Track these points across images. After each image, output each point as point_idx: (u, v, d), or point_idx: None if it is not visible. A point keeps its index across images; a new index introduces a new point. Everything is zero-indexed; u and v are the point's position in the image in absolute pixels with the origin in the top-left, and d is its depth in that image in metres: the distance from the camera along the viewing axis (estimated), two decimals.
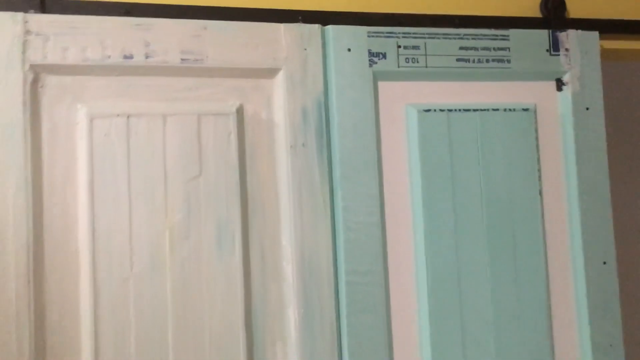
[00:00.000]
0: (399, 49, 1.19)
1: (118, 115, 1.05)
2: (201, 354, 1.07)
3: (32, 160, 1.01)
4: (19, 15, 1.01)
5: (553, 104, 1.28)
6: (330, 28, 1.16)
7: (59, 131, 1.04)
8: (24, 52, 1.01)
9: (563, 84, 1.28)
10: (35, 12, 1.03)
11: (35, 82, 1.02)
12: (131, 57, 1.06)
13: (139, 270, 1.05)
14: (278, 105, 1.13)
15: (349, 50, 1.16)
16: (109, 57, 1.05)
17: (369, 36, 1.17)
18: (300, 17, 1.16)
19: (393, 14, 1.22)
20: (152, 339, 1.05)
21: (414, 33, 1.20)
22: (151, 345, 1.05)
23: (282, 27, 1.13)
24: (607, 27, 1.33)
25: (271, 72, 1.13)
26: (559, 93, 1.28)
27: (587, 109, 1.28)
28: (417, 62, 1.20)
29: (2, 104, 1.00)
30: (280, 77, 1.13)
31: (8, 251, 0.99)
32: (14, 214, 0.99)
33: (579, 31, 1.28)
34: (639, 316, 1.79)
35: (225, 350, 1.07)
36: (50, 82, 1.03)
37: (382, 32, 1.18)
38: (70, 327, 1.02)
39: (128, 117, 1.06)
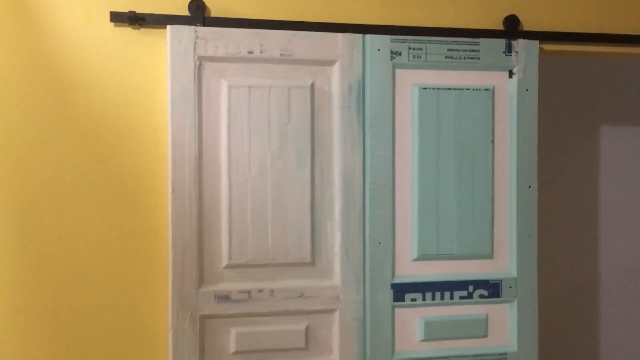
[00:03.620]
0: (409, 50, 1.94)
1: (244, 86, 1.84)
2: (285, 225, 1.88)
3: (198, 109, 1.81)
4: (193, 27, 1.79)
5: (505, 86, 2.03)
6: (368, 36, 1.91)
7: (212, 94, 1.83)
8: (195, 48, 1.79)
9: (513, 73, 2.02)
10: (200, 26, 1.80)
11: (200, 65, 1.80)
12: (252, 52, 1.83)
13: (253, 175, 1.85)
14: (334, 82, 1.90)
15: (379, 50, 1.92)
16: (240, 52, 1.82)
17: (391, 41, 1.93)
18: (350, 29, 1.90)
19: (407, 27, 1.96)
20: (259, 213, 1.86)
21: (419, 40, 1.95)
22: (258, 218, 1.86)
23: (339, 36, 1.89)
24: (547, 36, 2.06)
25: (331, 62, 1.89)
26: (509, 79, 2.03)
27: (527, 90, 2.02)
28: (420, 58, 1.95)
29: (184, 77, 1.78)
30: (336, 65, 1.89)
31: (185, 160, 1.79)
32: (188, 139, 1.80)
33: (525, 40, 2.01)
34: (547, 219, 2.56)
35: (299, 224, 1.88)
36: (208, 66, 1.82)
37: (399, 39, 1.93)
38: (215, 205, 1.84)
39: (249, 87, 1.84)
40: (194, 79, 1.79)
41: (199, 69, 1.80)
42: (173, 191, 1.79)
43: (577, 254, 2.89)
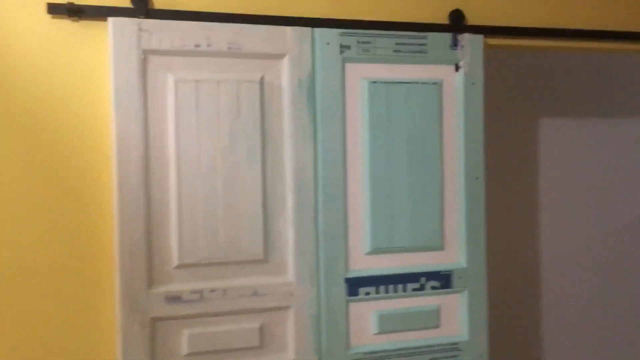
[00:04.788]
0: (358, 43, 1.94)
1: (191, 80, 1.79)
2: (237, 222, 1.84)
3: (143, 105, 1.75)
4: (136, 20, 1.73)
5: (452, 80, 2.06)
6: (317, 30, 1.90)
7: (158, 89, 1.77)
8: (138, 41, 1.73)
9: (459, 67, 2.05)
10: (144, 18, 1.74)
11: (144, 59, 1.74)
12: (199, 46, 1.78)
13: (203, 172, 1.81)
14: (284, 76, 1.88)
15: (328, 43, 1.91)
16: (186, 45, 1.77)
17: (340, 35, 1.92)
18: (299, 22, 1.88)
19: (355, 20, 1.96)
20: (210, 211, 1.81)
21: (368, 34, 1.95)
22: (209, 216, 1.82)
23: (288, 29, 1.86)
24: (491, 31, 2.10)
25: (280, 56, 1.87)
26: (456, 73, 2.06)
27: (473, 83, 2.06)
28: (369, 51, 1.95)
29: (127, 71, 1.72)
30: (286, 59, 1.87)
31: (131, 158, 1.73)
32: (134, 136, 1.73)
33: (470, 34, 2.04)
34: (492, 210, 2.64)
35: (251, 219, 1.85)
36: (153, 59, 1.76)
37: (348, 33, 1.93)
38: (164, 203, 1.78)
39: (197, 81, 1.79)
40: (139, 74, 1.73)
41: (144, 63, 1.74)
42: (119, 190, 1.72)
43: (520, 243, 2.98)
